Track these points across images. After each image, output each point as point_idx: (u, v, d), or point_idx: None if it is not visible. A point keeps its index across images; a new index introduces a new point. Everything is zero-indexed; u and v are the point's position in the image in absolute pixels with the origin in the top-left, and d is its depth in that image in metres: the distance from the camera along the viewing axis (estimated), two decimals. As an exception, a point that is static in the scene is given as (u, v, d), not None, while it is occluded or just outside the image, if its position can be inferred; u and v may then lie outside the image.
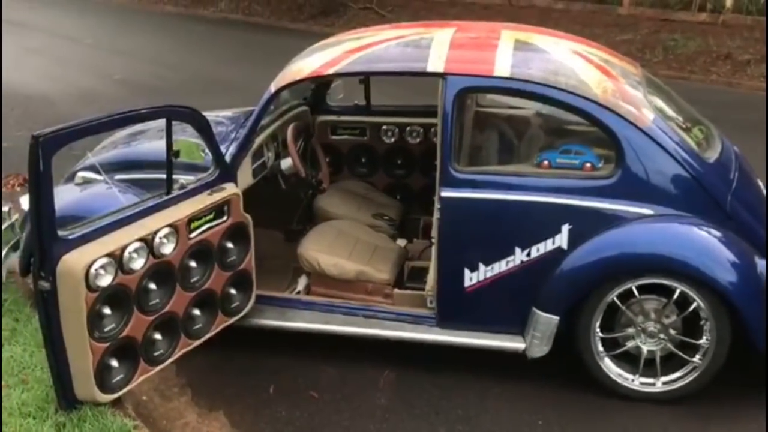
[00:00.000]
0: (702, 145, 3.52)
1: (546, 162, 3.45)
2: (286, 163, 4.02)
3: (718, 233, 3.31)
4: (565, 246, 3.35)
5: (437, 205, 3.44)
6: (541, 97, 3.38)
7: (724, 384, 3.39)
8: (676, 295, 3.30)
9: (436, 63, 3.43)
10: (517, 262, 3.40)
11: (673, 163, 3.30)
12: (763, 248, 3.38)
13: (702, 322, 3.32)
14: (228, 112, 4.43)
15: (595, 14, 12.93)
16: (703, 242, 3.31)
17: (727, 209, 3.34)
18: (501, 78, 3.36)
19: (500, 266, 3.42)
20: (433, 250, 3.55)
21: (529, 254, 3.39)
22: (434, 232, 3.53)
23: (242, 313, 3.57)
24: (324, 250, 3.84)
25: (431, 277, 3.61)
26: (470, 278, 3.46)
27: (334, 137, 4.72)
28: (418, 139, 4.65)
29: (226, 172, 3.49)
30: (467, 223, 3.42)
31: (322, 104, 4.68)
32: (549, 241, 3.36)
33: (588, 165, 3.41)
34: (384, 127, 4.65)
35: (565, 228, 3.34)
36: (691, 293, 3.27)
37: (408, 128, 4.63)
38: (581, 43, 3.83)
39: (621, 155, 3.30)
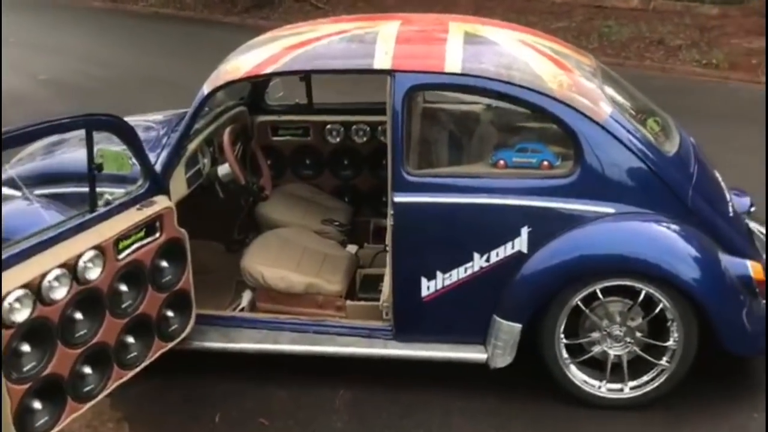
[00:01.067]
0: (660, 138, 3.33)
1: (502, 161, 3.21)
2: (223, 169, 3.67)
3: (680, 230, 3.13)
4: (525, 250, 3.12)
5: (390, 211, 3.17)
6: (494, 93, 3.13)
7: (694, 387, 3.22)
8: (641, 297, 3.11)
9: (382, 59, 3.14)
10: (476, 268, 3.16)
11: (633, 158, 3.10)
12: (726, 243, 3.21)
13: (668, 324, 3.14)
14: (158, 116, 4.06)
15: (529, 2, 12.80)
16: (666, 240, 3.12)
17: (688, 204, 3.16)
18: (452, 74, 3.09)
19: (459, 273, 3.17)
20: (388, 258, 3.28)
21: (488, 260, 3.14)
22: (388, 240, 3.26)
23: (181, 337, 3.23)
24: (269, 263, 3.53)
25: (386, 288, 3.34)
26: (428, 287, 3.20)
27: (275, 138, 4.39)
28: (364, 138, 4.35)
29: (157, 184, 3.14)
30: (422, 229, 3.16)
31: (260, 104, 4.34)
32: (508, 245, 3.12)
33: (545, 163, 3.18)
34: (328, 126, 4.34)
35: (525, 231, 3.10)
36: (657, 294, 3.08)
37: (354, 127, 4.33)
38: (531, 34, 3.60)
39: (579, 152, 3.08)
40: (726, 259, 3.16)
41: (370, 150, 4.37)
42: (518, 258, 3.12)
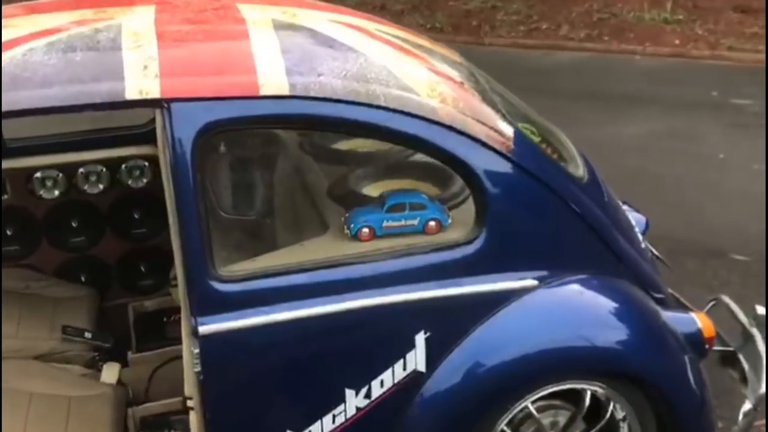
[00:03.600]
0: (558, 154, 2.26)
1: (366, 230, 1.91)
2: None
3: (620, 293, 2.12)
4: (422, 367, 1.90)
5: (193, 348, 1.73)
6: (350, 125, 1.80)
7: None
8: (587, 401, 2.07)
9: (141, 81, 1.64)
10: (352, 411, 1.87)
11: (551, 199, 2.00)
12: (654, 290, 2.29)
13: (621, 427, 2.14)
14: None
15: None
16: (612, 316, 2.09)
17: (614, 248, 2.16)
18: (275, 99, 1.71)
19: (324, 426, 1.85)
20: (194, 419, 1.84)
21: (368, 395, 1.87)
22: (189, 391, 1.82)
23: None
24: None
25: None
26: (274, 458, 1.85)
27: (-56, 204, 2.61)
28: (100, 185, 2.75)
29: None
30: (254, 372, 1.78)
31: None
32: (398, 367, 1.88)
33: (432, 224, 1.95)
34: (38, 174, 2.66)
35: (420, 339, 1.88)
36: (606, 391, 2.07)
37: (81, 170, 2.71)
38: (363, 17, 2.29)
39: (484, 203, 1.90)
40: (669, 317, 2.23)
41: (110, 200, 2.80)
42: (414, 381, 1.90)
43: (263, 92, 1.69)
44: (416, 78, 1.88)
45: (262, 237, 2.01)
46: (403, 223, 1.92)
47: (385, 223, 1.92)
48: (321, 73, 1.77)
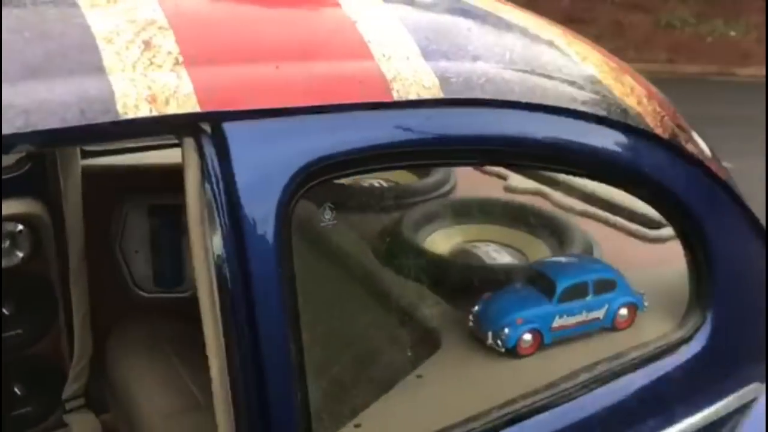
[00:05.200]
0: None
1: (529, 337, 1.05)
2: None
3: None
4: None
5: None
6: (541, 150, 0.92)
7: None
8: None
9: (143, 76, 0.67)
10: None
11: (762, 249, 1.28)
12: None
13: None
14: None
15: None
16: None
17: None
18: (427, 106, 0.80)
19: None
20: None
21: None
22: None
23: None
24: None
25: None
26: None
27: None
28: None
29: None
30: None
31: None
32: None
33: (624, 313, 1.13)
34: None
35: None
36: None
37: None
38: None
39: (711, 268, 1.11)
40: None
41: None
42: None
43: (399, 94, 0.78)
44: (600, 66, 1.05)
45: (342, 370, 1.06)
46: (584, 317, 1.09)
47: (556, 322, 1.07)
48: (477, 56, 0.88)
